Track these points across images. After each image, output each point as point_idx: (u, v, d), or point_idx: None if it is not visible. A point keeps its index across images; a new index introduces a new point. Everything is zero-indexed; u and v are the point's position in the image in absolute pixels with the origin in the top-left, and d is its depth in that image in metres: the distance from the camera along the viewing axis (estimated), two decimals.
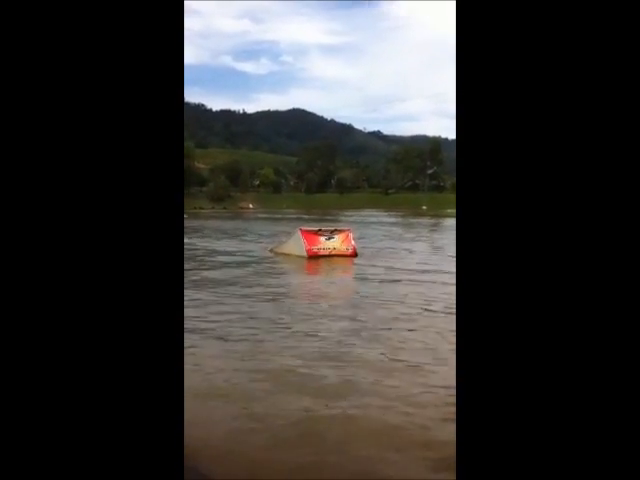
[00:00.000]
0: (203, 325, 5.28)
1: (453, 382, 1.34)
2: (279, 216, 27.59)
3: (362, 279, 9.06)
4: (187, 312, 4.34)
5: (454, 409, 1.33)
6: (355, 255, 12.58)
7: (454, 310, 1.37)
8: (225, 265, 10.62)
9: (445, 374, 3.64)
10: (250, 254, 12.92)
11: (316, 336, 4.98)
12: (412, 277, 9.05)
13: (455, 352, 1.31)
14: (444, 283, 7.98)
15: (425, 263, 11.20)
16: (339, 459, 2.63)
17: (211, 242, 16.21)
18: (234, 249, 14.09)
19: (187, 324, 4.62)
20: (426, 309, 6.27)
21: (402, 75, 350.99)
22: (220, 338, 4.89)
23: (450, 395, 3.06)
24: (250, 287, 7.91)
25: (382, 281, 8.66)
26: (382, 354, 4.38)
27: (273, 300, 6.94)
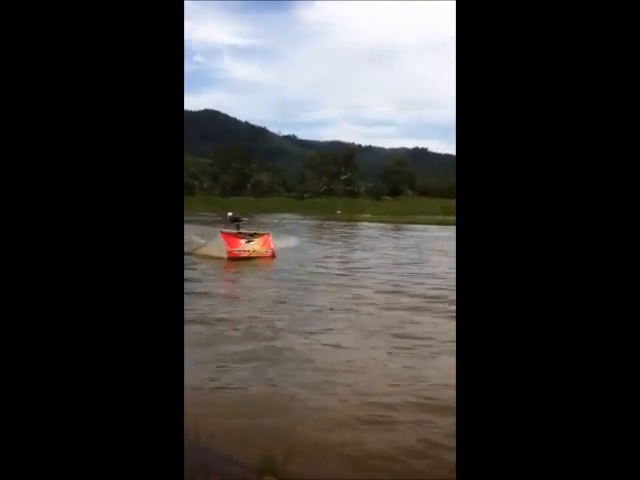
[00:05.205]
0: None
1: None
2: (194, 218, 26.85)
3: None
4: None
5: None
6: (274, 257, 12.77)
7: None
8: None
9: None
10: None
11: None
12: None
13: (455, 355, 1.31)
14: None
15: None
16: None
17: None
18: None
19: None
20: None
21: (317, 80, 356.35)
22: None
23: None
24: None
25: None
26: None
27: None
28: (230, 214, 15.09)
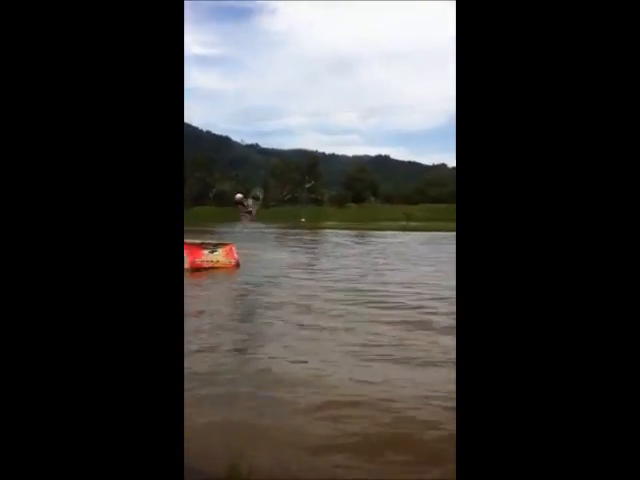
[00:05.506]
0: None
1: None
2: None
3: None
4: None
5: None
6: (238, 267, 12.63)
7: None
8: None
9: None
10: None
11: None
12: None
13: (455, 360, 1.30)
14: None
15: None
16: None
17: None
18: None
19: None
20: None
21: (280, 89, 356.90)
22: None
23: None
24: None
25: None
26: None
27: None
28: (239, 196, 15.62)
